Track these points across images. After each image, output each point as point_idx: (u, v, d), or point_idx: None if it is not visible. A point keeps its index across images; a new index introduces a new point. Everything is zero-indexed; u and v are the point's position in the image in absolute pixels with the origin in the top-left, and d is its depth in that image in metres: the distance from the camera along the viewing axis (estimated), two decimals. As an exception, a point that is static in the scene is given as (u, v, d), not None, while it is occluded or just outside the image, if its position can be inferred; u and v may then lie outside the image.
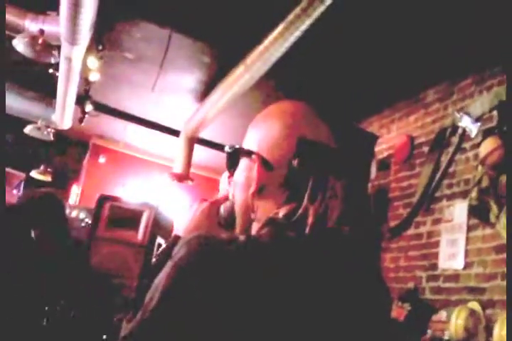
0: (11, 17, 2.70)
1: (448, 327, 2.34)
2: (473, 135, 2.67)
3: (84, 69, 3.33)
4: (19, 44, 2.56)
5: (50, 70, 3.23)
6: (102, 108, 4.38)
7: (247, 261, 0.64)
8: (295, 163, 0.71)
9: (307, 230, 0.67)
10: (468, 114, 2.69)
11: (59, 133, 4.60)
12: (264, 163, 0.73)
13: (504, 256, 2.30)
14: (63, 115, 4.09)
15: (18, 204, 1.69)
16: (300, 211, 0.68)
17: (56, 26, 2.64)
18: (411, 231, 3.03)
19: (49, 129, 4.21)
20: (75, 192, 5.67)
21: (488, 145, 2.40)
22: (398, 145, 3.31)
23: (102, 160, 5.56)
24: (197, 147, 4.52)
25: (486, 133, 2.52)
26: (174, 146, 4.54)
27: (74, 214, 4.13)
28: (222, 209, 0.82)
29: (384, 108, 3.54)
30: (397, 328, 2.50)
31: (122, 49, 3.41)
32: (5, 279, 1.40)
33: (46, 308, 1.55)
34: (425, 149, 3.07)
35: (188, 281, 0.62)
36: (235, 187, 0.78)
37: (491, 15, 2.29)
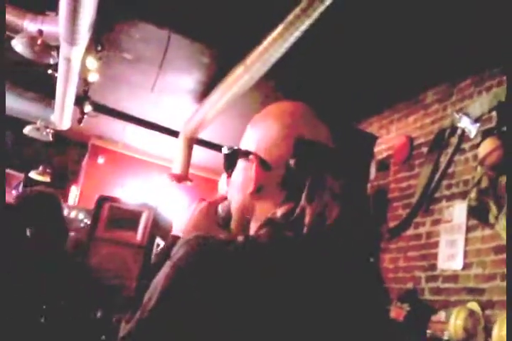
0: (10, 17, 2.69)
1: (447, 327, 2.34)
2: (472, 136, 2.67)
3: (83, 70, 3.33)
4: (18, 44, 2.56)
5: (49, 71, 3.23)
6: (101, 108, 4.38)
7: (246, 261, 0.64)
8: (292, 162, 0.70)
9: (305, 230, 0.66)
10: (467, 114, 2.70)
11: (58, 134, 4.60)
12: (262, 163, 0.73)
13: (503, 256, 2.30)
14: (62, 116, 4.09)
15: (14, 203, 1.69)
16: (297, 211, 0.68)
17: (55, 27, 2.64)
18: (410, 232, 3.03)
19: (48, 130, 4.21)
20: (73, 193, 5.66)
21: (488, 145, 2.40)
22: (397, 145, 3.31)
23: (100, 160, 5.56)
24: (196, 148, 4.52)
25: (485, 134, 2.52)
26: (173, 147, 4.54)
27: (73, 214, 4.13)
28: (221, 209, 0.82)
29: (384, 109, 3.54)
30: (395, 328, 2.50)
31: (121, 49, 3.41)
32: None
33: (44, 308, 1.55)
34: (424, 150, 3.07)
35: (187, 282, 0.62)
36: (233, 188, 0.78)
37: (491, 16, 2.29)
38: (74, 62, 3.03)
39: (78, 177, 5.87)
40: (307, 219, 0.67)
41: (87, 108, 3.90)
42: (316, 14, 2.28)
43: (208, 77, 3.61)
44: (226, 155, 0.79)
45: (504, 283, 2.25)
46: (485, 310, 2.31)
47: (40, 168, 5.06)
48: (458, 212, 2.66)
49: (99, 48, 3.13)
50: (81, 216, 4.36)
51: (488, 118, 2.61)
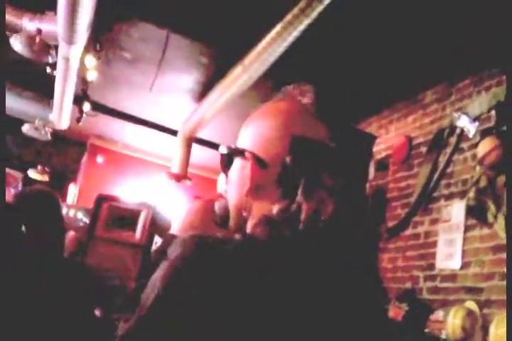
0: (8, 16, 2.69)
1: (445, 326, 2.34)
2: (471, 135, 2.67)
3: (82, 69, 3.33)
4: (16, 43, 2.56)
5: (48, 70, 3.23)
6: (100, 108, 4.38)
7: (243, 260, 0.64)
8: (288, 160, 0.71)
9: (300, 226, 0.66)
10: (466, 114, 2.70)
11: (57, 133, 4.59)
12: (258, 161, 0.73)
13: (501, 256, 2.30)
14: (61, 115, 4.09)
15: (13, 202, 1.68)
16: (293, 207, 0.68)
17: (54, 26, 2.64)
18: (409, 232, 3.03)
19: (47, 129, 4.21)
20: (72, 192, 5.66)
21: (486, 145, 2.41)
22: (396, 145, 3.31)
23: (99, 160, 5.56)
24: (195, 147, 4.52)
25: (484, 134, 2.52)
26: (172, 146, 4.54)
27: (71, 213, 4.14)
28: (217, 207, 0.83)
29: (383, 108, 3.54)
30: (393, 327, 2.50)
31: (120, 49, 3.41)
32: None
33: (43, 307, 1.55)
34: (423, 149, 3.07)
35: (184, 281, 0.62)
36: (230, 186, 0.78)
37: (490, 16, 2.29)
38: (72, 61, 3.03)
39: (77, 176, 5.87)
40: (303, 216, 0.67)
41: (86, 107, 3.89)
42: (314, 14, 2.28)
43: (206, 76, 3.61)
44: (223, 154, 0.79)
45: (502, 283, 2.25)
46: (483, 309, 2.31)
47: (39, 167, 5.06)
48: (456, 211, 2.66)
49: (97, 48, 3.13)
50: (80, 215, 4.36)
51: (487, 117, 2.61)
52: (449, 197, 2.77)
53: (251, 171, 0.73)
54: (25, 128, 4.18)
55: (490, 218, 2.39)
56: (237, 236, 0.67)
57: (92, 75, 3.44)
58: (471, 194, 2.49)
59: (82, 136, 5.51)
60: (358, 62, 2.96)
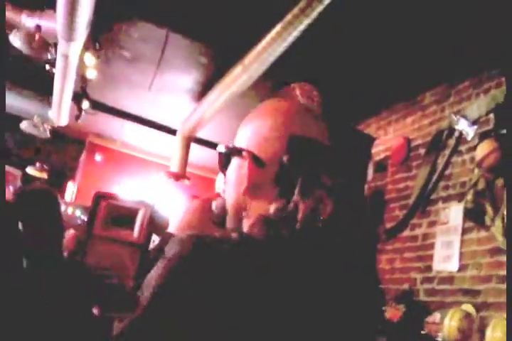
0: (7, 13, 2.68)
1: (442, 328, 2.34)
2: (469, 138, 2.67)
3: (81, 67, 3.32)
4: (16, 40, 2.56)
5: (47, 67, 3.22)
6: (99, 106, 4.37)
7: (240, 259, 0.63)
8: (286, 159, 0.70)
9: (297, 226, 0.66)
10: (465, 116, 2.70)
11: (56, 131, 4.59)
12: (256, 160, 0.73)
13: (499, 258, 2.30)
14: (60, 112, 4.08)
15: (12, 200, 1.67)
16: (290, 207, 0.68)
17: (53, 23, 2.64)
18: (407, 233, 3.03)
19: (45, 126, 4.20)
20: (70, 190, 5.66)
21: (485, 148, 2.41)
22: (395, 147, 3.31)
23: (98, 158, 5.55)
24: (194, 146, 4.52)
25: (482, 136, 2.52)
26: (171, 145, 4.54)
27: (70, 211, 4.13)
28: (215, 206, 0.82)
29: (381, 110, 3.54)
30: (389, 329, 2.50)
31: (120, 48, 3.40)
32: None
33: (40, 306, 1.54)
34: (422, 151, 3.07)
35: (180, 280, 0.62)
36: (228, 185, 0.78)
37: (490, 18, 2.30)
38: (72, 58, 3.02)
39: (75, 174, 5.86)
40: (300, 215, 0.67)
41: (85, 105, 3.89)
42: (314, 14, 2.28)
43: (206, 76, 3.61)
44: (220, 154, 0.79)
45: (499, 285, 2.25)
46: (480, 311, 2.31)
47: (38, 165, 5.06)
48: (454, 213, 2.66)
49: (97, 46, 3.13)
50: (78, 213, 4.36)
51: (485, 120, 2.61)
52: (447, 199, 2.77)
53: (248, 170, 0.73)
54: (24, 125, 4.18)
55: (487, 221, 2.39)
56: (234, 235, 0.67)
57: (91, 73, 3.43)
58: (469, 196, 2.49)
59: (81, 134, 5.51)
60: (358, 63, 2.96)
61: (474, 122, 2.66)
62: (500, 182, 2.35)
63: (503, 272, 2.25)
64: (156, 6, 2.79)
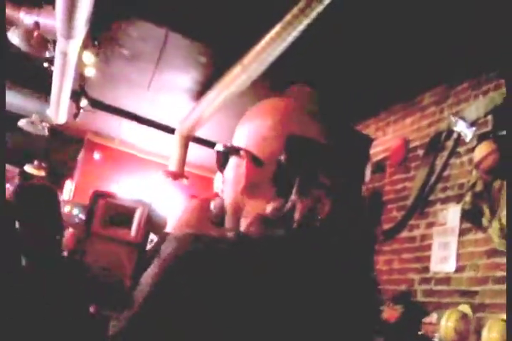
0: (6, 10, 2.67)
1: (438, 329, 2.35)
2: (467, 139, 2.68)
3: (80, 65, 3.32)
4: (14, 37, 2.55)
5: (45, 64, 3.22)
6: (97, 105, 4.37)
7: (236, 259, 0.63)
8: (283, 158, 0.70)
9: (295, 225, 0.66)
10: (463, 118, 2.70)
11: (54, 129, 4.58)
12: (254, 159, 0.73)
13: (495, 260, 2.31)
14: (58, 110, 4.08)
15: (12, 198, 1.66)
16: (287, 206, 0.68)
17: (52, 20, 2.63)
18: (405, 234, 3.03)
19: (44, 124, 4.19)
20: (68, 188, 5.65)
21: (483, 149, 2.41)
22: (394, 148, 3.31)
23: (96, 156, 5.55)
24: (192, 146, 4.52)
25: (480, 138, 2.52)
26: (169, 144, 4.54)
27: (67, 209, 4.13)
28: (213, 206, 0.82)
29: (380, 110, 3.55)
30: (386, 329, 2.50)
31: (119, 47, 3.40)
32: None
33: (38, 305, 1.54)
34: (420, 152, 3.08)
35: (176, 279, 0.62)
36: (226, 185, 0.78)
37: (489, 20, 2.30)
38: (70, 56, 3.02)
39: (73, 172, 5.85)
40: (297, 215, 0.67)
41: (83, 103, 3.89)
42: (314, 14, 2.28)
43: (204, 76, 3.60)
44: (218, 153, 0.78)
45: (496, 286, 2.26)
46: (476, 312, 2.31)
47: (36, 163, 5.05)
48: (452, 215, 2.67)
49: (96, 44, 3.12)
50: (76, 211, 4.35)
51: (483, 122, 2.62)
52: (445, 200, 2.77)
53: (246, 169, 0.73)
54: (22, 123, 4.17)
55: (485, 222, 2.39)
56: (231, 234, 0.67)
57: (90, 72, 3.43)
58: (467, 198, 2.49)
59: (79, 132, 5.50)
60: (357, 64, 2.96)
61: (472, 124, 2.67)
62: (497, 184, 2.36)
63: (500, 273, 2.25)
64: (156, 5, 2.79)
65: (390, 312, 2.69)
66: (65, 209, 4.11)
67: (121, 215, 3.32)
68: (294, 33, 2.47)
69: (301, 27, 2.40)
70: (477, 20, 2.33)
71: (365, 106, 3.45)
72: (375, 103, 3.43)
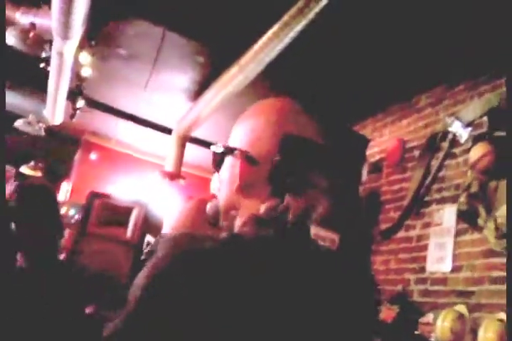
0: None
1: (435, 329, 2.35)
2: (462, 141, 2.69)
3: (77, 65, 3.31)
4: (10, 36, 2.54)
5: (42, 65, 3.21)
6: (94, 105, 4.36)
7: (228, 258, 0.63)
8: (278, 158, 0.70)
9: (288, 225, 0.66)
10: (459, 119, 2.71)
11: (51, 129, 4.57)
12: (249, 159, 0.73)
13: (491, 260, 2.31)
14: (54, 110, 4.06)
15: (12, 197, 1.65)
16: (281, 206, 0.67)
17: (48, 20, 2.62)
18: (401, 234, 3.04)
19: (40, 124, 4.18)
20: (65, 188, 5.63)
21: (479, 150, 2.42)
22: (390, 148, 3.32)
23: (93, 156, 5.54)
24: (189, 146, 4.51)
25: (476, 139, 2.53)
26: (166, 145, 4.53)
27: (63, 210, 4.11)
28: (209, 207, 0.82)
29: (377, 112, 3.55)
30: (382, 329, 2.51)
31: (115, 46, 3.39)
32: None
33: (36, 305, 1.53)
34: (417, 153, 3.08)
35: (169, 279, 0.61)
36: (221, 185, 0.78)
37: (487, 21, 2.31)
38: (67, 56, 3.01)
39: (70, 172, 5.83)
40: (291, 215, 0.67)
41: (80, 103, 3.88)
42: (311, 14, 2.28)
43: (202, 76, 3.60)
44: (215, 153, 0.78)
45: (492, 287, 2.27)
46: (472, 312, 2.32)
47: (32, 163, 5.03)
48: (448, 215, 2.68)
49: (92, 44, 3.11)
50: (72, 212, 4.34)
51: (479, 123, 2.62)
52: (441, 201, 2.78)
53: (240, 169, 0.73)
54: (18, 123, 4.15)
55: (480, 223, 2.40)
56: (224, 234, 0.66)
57: (86, 71, 3.42)
58: (463, 199, 2.50)
59: (76, 131, 5.49)
60: (354, 65, 2.96)
61: (468, 125, 2.67)
62: (493, 184, 2.36)
63: (496, 273, 2.26)
64: (153, 4, 2.78)
65: (387, 312, 2.69)
66: (62, 209, 4.10)
67: (118, 215, 3.31)
68: (292, 34, 2.47)
69: (299, 27, 2.41)
70: (474, 21, 2.34)
71: (362, 107, 3.45)
72: (372, 104, 3.43)
